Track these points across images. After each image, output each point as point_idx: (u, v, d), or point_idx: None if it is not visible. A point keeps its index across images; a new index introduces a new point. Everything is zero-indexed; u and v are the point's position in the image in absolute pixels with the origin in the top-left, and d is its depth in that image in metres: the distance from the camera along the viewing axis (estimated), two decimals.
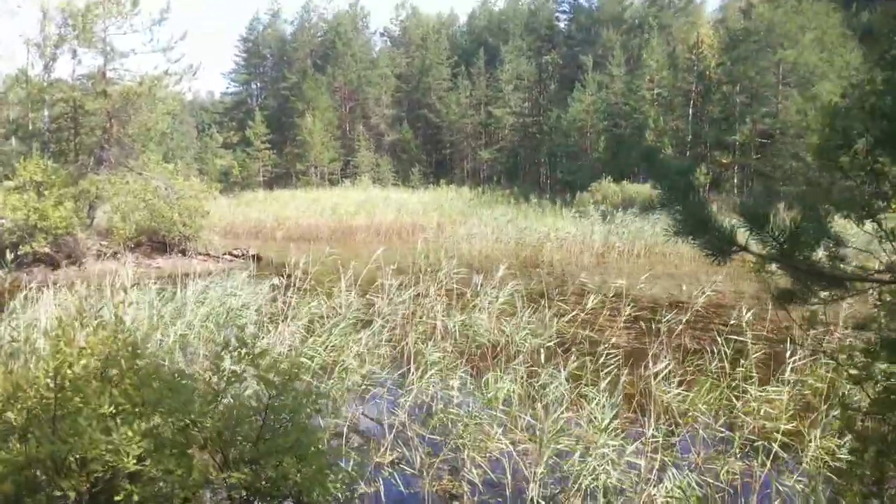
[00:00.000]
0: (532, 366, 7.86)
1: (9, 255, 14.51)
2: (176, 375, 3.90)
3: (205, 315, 9.35)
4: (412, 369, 7.83)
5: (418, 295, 11.35)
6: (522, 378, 7.25)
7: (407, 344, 9.22)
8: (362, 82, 70.07)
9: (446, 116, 65.21)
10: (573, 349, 9.18)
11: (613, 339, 9.81)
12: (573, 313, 10.71)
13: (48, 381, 3.51)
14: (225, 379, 3.78)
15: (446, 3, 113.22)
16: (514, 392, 6.86)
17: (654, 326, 9.99)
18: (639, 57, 53.51)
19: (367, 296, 11.29)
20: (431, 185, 52.79)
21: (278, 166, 64.06)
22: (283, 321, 9.41)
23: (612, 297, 11.75)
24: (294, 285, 10.78)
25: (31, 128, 25.12)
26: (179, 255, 23.51)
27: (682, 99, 49.12)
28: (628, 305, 10.85)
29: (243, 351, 3.75)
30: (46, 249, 19.80)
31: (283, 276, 11.27)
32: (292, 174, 62.23)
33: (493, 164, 63.85)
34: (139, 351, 3.88)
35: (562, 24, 72.51)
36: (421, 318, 10.64)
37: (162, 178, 23.23)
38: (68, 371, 3.53)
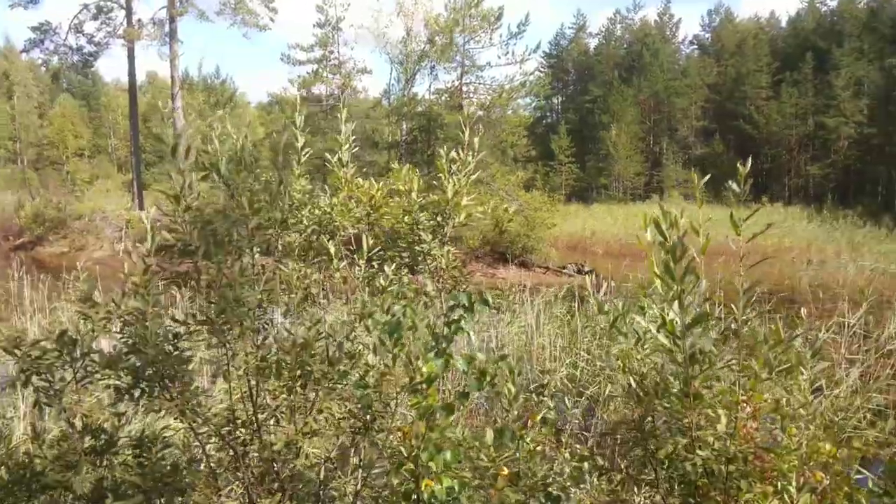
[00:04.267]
0: None
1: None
2: None
3: None
4: None
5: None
6: None
7: None
8: (669, 93, 66.87)
9: (765, 128, 59.55)
10: None
11: None
12: None
13: None
14: None
15: (764, 6, 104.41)
16: None
17: None
18: None
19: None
20: (750, 202, 48.12)
21: (580, 180, 63.49)
22: None
23: None
24: None
25: (390, 139, 27.01)
26: (520, 266, 23.41)
27: None
28: None
29: None
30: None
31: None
32: (593, 188, 61.25)
33: (822, 181, 56.77)
34: None
35: None
36: None
37: (508, 189, 23.32)
38: None
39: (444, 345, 2.51)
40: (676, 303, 2.14)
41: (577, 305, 11.17)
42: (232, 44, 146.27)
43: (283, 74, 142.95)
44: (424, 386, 2.50)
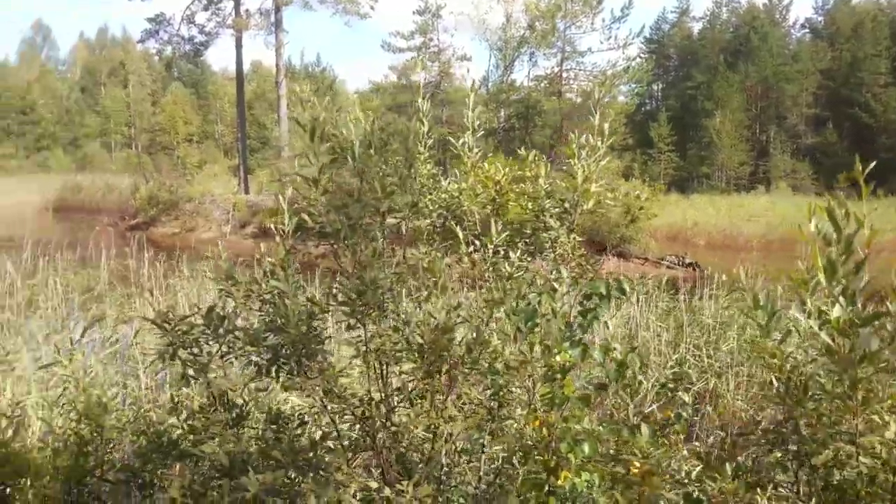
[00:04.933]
0: None
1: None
2: None
3: None
4: None
5: None
6: None
7: None
8: (779, 79, 63.66)
9: (882, 116, 55.90)
10: None
11: None
12: None
13: None
14: None
15: None
16: None
17: None
18: None
19: None
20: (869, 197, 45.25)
21: (680, 169, 61.50)
22: None
23: None
24: None
25: (487, 126, 26.95)
26: (618, 257, 22.93)
27: None
28: None
29: None
30: None
31: None
32: (694, 177, 59.20)
33: None
34: None
35: None
36: None
37: (607, 178, 22.85)
38: None
39: (579, 334, 2.45)
40: (842, 299, 2.00)
41: (682, 298, 10.83)
42: (331, 32, 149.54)
43: (378, 62, 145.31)
44: (559, 375, 2.45)
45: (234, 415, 3.02)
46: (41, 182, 44.39)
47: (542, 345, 2.38)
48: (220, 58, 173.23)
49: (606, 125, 3.49)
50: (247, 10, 33.04)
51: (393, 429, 2.52)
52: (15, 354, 6.82)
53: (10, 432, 4.51)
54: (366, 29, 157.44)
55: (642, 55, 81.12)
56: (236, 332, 2.58)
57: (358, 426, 2.69)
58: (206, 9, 33.40)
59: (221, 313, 2.56)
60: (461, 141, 3.82)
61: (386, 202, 2.84)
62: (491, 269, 3.08)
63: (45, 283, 11.76)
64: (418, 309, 2.73)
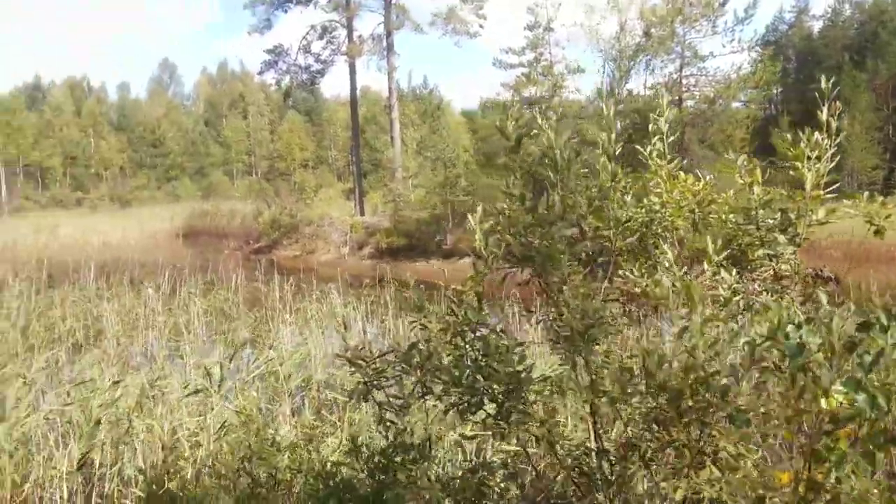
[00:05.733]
0: None
1: None
2: None
3: None
4: None
5: None
6: None
7: None
8: None
9: None
10: None
11: None
12: None
13: None
14: None
15: None
16: None
17: None
18: None
19: None
20: None
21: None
22: None
23: None
24: None
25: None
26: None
27: None
28: None
29: None
30: None
31: None
32: (822, 184, 55.55)
33: None
34: None
35: None
36: None
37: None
38: None
39: (861, 373, 2.00)
40: None
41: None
42: (431, 53, 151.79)
43: (482, 79, 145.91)
44: (831, 425, 2.00)
45: (419, 458, 2.74)
46: (171, 210, 47.11)
47: (819, 388, 1.95)
48: (331, 85, 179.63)
49: (834, 121, 3.00)
50: (360, 37, 33.85)
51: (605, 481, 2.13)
52: (164, 381, 6.94)
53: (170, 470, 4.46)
54: (473, 46, 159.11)
55: (761, 57, 77.59)
56: (437, 371, 2.28)
57: (570, 480, 2.33)
58: (321, 38, 34.48)
59: (425, 350, 2.27)
60: (648, 149, 3.43)
61: (591, 218, 2.49)
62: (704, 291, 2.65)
63: (185, 306, 12.18)
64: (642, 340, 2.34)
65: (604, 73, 24.59)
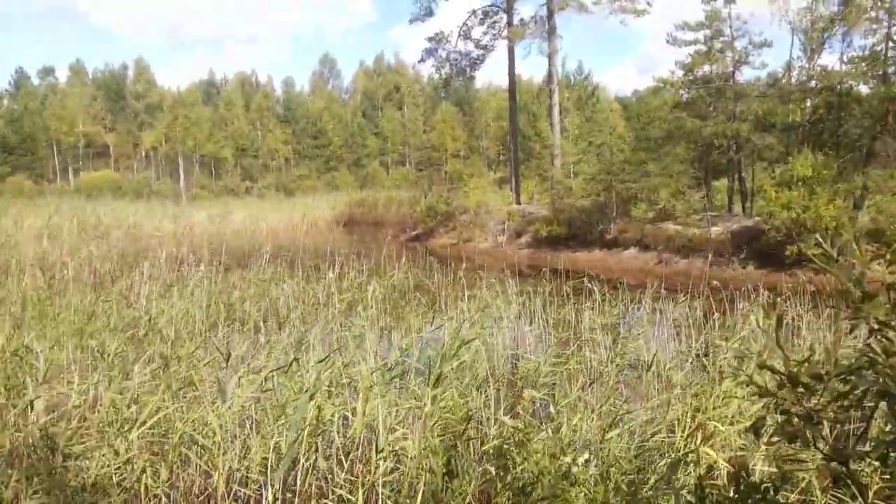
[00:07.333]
0: None
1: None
2: None
3: None
4: None
5: None
6: None
7: None
8: None
9: None
10: None
11: None
12: None
13: None
14: None
15: None
16: None
17: None
18: None
19: None
20: None
21: None
22: None
23: None
24: None
25: (789, 119, 23.87)
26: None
27: None
28: None
29: None
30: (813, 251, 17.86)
31: None
32: None
33: None
34: None
35: None
36: None
37: None
38: None
39: None
40: None
41: None
42: (585, 39, 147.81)
43: (629, 69, 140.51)
44: None
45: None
46: (331, 199, 48.75)
47: None
48: (481, 74, 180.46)
49: None
50: (521, 20, 33.07)
51: None
52: (355, 367, 6.58)
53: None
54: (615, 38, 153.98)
55: None
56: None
57: None
58: (481, 23, 34.03)
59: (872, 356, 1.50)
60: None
61: None
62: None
63: (359, 291, 12.05)
64: None
65: (791, 47, 22.23)
